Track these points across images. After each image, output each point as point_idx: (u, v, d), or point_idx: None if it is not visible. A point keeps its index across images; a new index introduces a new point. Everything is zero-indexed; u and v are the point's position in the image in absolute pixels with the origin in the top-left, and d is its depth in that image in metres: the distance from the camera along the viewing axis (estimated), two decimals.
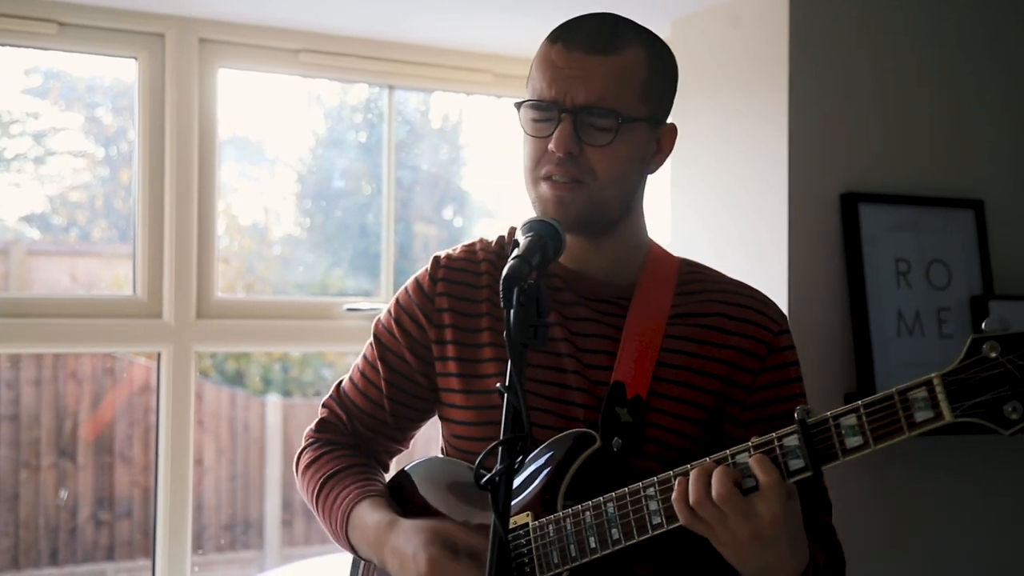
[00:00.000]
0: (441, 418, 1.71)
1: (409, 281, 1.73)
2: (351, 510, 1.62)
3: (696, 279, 1.67)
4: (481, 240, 1.73)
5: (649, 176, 1.67)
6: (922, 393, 1.27)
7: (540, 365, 1.58)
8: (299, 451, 1.79)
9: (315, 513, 1.72)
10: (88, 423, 3.92)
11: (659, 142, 1.63)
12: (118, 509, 4.02)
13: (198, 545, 3.54)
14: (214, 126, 3.28)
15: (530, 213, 1.56)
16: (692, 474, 1.36)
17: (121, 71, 3.39)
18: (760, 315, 1.63)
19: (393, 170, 3.60)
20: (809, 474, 1.33)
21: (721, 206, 2.97)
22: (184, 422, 3.20)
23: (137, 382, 4.01)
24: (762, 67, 2.82)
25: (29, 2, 3.03)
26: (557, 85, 1.52)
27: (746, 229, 2.87)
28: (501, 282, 1.30)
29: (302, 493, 1.76)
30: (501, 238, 1.72)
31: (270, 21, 3.28)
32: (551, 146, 1.52)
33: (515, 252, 1.36)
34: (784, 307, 2.71)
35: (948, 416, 1.25)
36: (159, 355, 3.23)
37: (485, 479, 1.30)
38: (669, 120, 1.65)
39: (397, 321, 1.70)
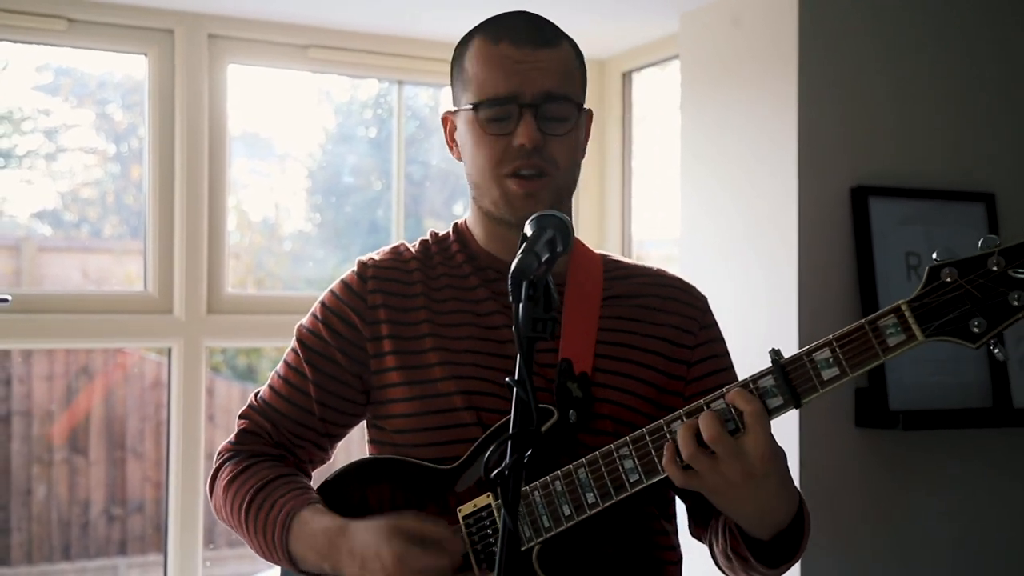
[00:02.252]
0: (376, 419, 1.67)
1: (334, 284, 1.72)
2: (292, 519, 1.56)
3: (620, 267, 1.72)
4: (403, 243, 1.75)
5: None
6: (891, 320, 1.36)
7: (487, 352, 1.59)
8: (216, 467, 1.70)
9: (239, 528, 1.65)
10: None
11: (585, 129, 1.68)
12: (130, 504, 4.04)
13: (209, 539, 3.54)
14: (224, 122, 3.29)
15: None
16: (680, 432, 1.39)
17: (131, 67, 3.40)
18: (686, 294, 1.70)
19: (403, 165, 3.60)
20: (793, 407, 1.40)
21: (731, 200, 2.97)
22: (195, 417, 3.21)
23: (148, 377, 4.02)
24: (772, 61, 2.81)
25: None
26: (515, 79, 1.55)
27: (756, 223, 2.86)
28: (509, 276, 1.29)
29: (221, 510, 1.68)
30: (424, 241, 1.74)
31: (279, 17, 3.29)
32: (518, 141, 1.55)
33: (523, 246, 1.35)
34: (794, 301, 2.71)
35: (920, 337, 1.35)
36: (170, 350, 3.24)
37: (495, 472, 1.29)
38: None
39: (326, 323, 1.68)
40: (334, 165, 3.94)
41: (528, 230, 1.40)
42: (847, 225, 2.78)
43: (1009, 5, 2.99)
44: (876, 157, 2.83)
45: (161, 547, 3.32)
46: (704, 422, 1.37)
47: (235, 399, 4.40)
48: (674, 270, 1.77)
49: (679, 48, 3.20)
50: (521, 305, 1.28)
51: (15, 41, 3.18)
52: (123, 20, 3.16)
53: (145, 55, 3.23)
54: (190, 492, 3.20)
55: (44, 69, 3.45)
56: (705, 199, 3.07)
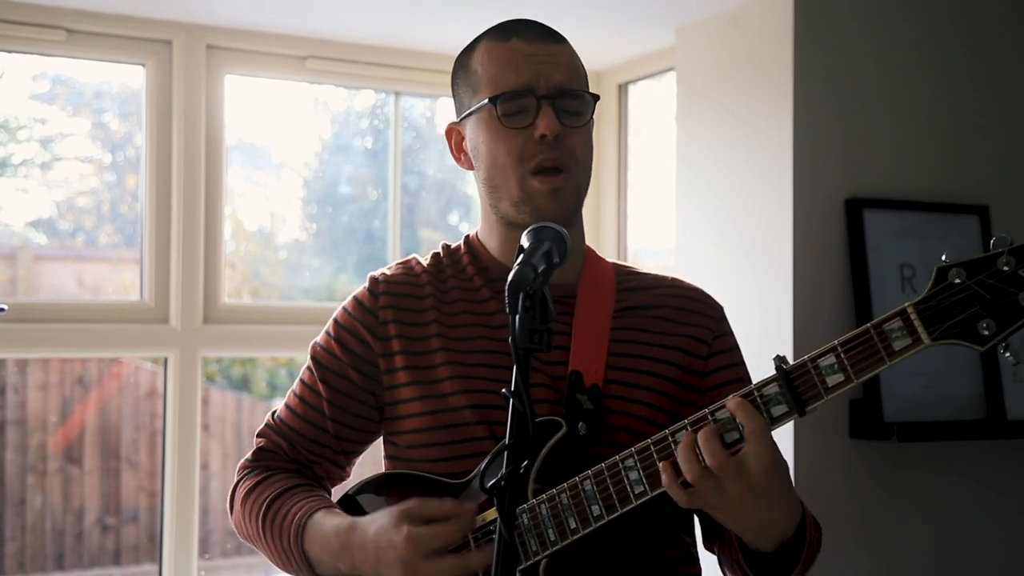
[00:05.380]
0: (390, 434, 1.67)
1: (346, 301, 1.71)
2: (306, 523, 1.56)
3: (633, 277, 1.71)
4: (414, 257, 1.74)
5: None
6: (897, 324, 1.33)
7: (499, 366, 1.58)
8: (234, 484, 1.71)
9: (257, 539, 1.65)
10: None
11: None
12: (124, 514, 4.03)
13: (204, 550, 3.54)
14: (221, 132, 3.30)
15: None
16: (679, 450, 1.37)
17: (128, 77, 3.40)
18: (701, 304, 1.68)
19: (399, 175, 3.61)
20: (796, 416, 1.38)
21: (726, 212, 2.98)
22: (191, 427, 3.21)
23: (143, 387, 4.02)
24: (766, 73, 2.83)
25: (39, 10, 3.05)
26: (529, 71, 1.56)
27: (751, 235, 2.87)
28: (507, 287, 1.29)
29: (241, 523, 1.68)
30: (436, 254, 1.74)
31: (277, 28, 3.29)
32: (539, 131, 1.54)
33: (519, 258, 1.35)
34: (789, 313, 2.72)
35: (927, 340, 1.32)
36: (166, 360, 3.24)
37: (491, 483, 1.29)
38: None
39: (338, 340, 1.67)
40: (330, 175, 3.95)
41: (525, 242, 1.40)
42: (842, 237, 2.79)
43: (1004, 19, 3.01)
44: (871, 169, 2.84)
45: (155, 557, 3.32)
46: (705, 447, 1.35)
47: (230, 409, 4.40)
48: None
49: (675, 60, 3.21)
50: (518, 317, 1.28)
51: (15, 51, 3.19)
52: (122, 31, 3.16)
53: (143, 65, 3.23)
54: (185, 502, 3.20)
55: (40, 78, 3.45)
56: (700, 210, 3.08)
